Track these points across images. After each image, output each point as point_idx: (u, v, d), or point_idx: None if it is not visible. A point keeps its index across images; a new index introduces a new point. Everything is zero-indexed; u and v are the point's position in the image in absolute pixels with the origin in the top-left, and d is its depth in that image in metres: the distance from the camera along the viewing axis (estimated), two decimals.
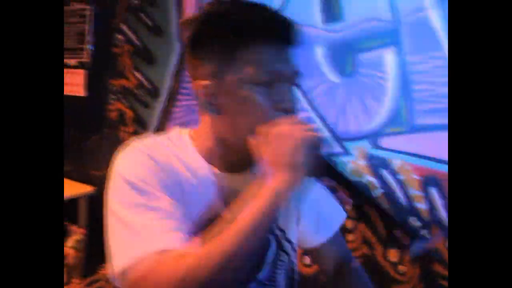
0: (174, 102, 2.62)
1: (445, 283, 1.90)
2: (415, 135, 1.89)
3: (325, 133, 2.04)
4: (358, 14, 2.01)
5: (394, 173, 1.95)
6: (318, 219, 1.00)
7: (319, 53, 2.10)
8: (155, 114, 2.72)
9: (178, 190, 0.74)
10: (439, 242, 0.85)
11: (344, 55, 2.04)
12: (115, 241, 0.68)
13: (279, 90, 0.73)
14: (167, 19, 2.62)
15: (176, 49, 2.58)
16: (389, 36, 1.93)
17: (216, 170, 0.80)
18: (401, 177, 1.92)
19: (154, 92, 2.72)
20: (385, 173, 1.98)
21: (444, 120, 1.83)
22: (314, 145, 0.68)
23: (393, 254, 2.02)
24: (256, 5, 0.75)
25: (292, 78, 0.76)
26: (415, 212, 1.89)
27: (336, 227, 1.05)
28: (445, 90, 1.83)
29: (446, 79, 1.84)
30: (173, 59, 2.60)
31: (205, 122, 0.79)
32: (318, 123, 2.09)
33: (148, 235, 0.65)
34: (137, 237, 0.65)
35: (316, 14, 2.11)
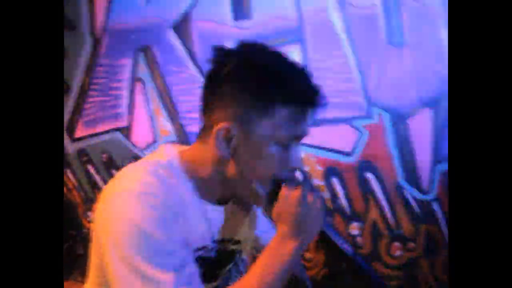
0: (85, 98, 2.54)
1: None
2: (317, 128, 1.99)
3: None
4: (266, 12, 2.08)
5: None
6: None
7: None
8: (65, 111, 2.62)
9: (181, 229, 0.74)
10: None
11: None
12: None
13: (292, 151, 0.76)
14: (78, 13, 2.54)
15: (87, 43, 2.51)
16: (294, 34, 2.03)
17: (206, 202, 0.81)
18: (306, 168, 2.02)
19: (64, 88, 2.62)
20: None
21: (342, 114, 1.96)
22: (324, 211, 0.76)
23: None
24: (296, 65, 0.75)
25: (303, 138, 0.78)
26: None
27: None
28: (344, 85, 1.96)
29: (346, 75, 1.97)
30: (85, 54, 2.52)
31: (208, 157, 0.77)
32: None
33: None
34: None
35: (226, 11, 2.16)
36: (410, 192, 1.93)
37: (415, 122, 1.89)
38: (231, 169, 0.76)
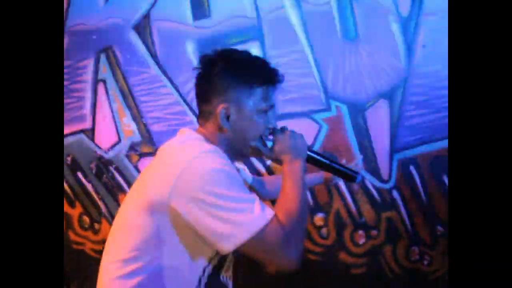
0: None
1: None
2: (278, 123, 2.03)
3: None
4: (225, 11, 2.12)
5: (264, 162, 2.10)
6: None
7: (190, 49, 2.17)
8: None
9: None
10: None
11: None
12: (235, 217, 0.90)
13: (270, 115, 1.07)
14: None
15: None
16: (252, 32, 2.06)
17: None
18: (268, 162, 2.07)
19: None
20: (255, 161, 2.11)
21: (303, 108, 2.01)
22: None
23: None
24: (259, 57, 1.08)
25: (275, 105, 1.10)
26: None
27: None
28: (303, 80, 2.01)
29: (304, 70, 2.01)
30: None
31: (215, 133, 1.05)
32: (191, 115, 2.18)
33: (261, 207, 0.92)
34: (256, 210, 0.91)
35: (186, 11, 2.18)
36: (371, 181, 1.99)
37: (372, 113, 1.95)
38: (233, 136, 1.04)
